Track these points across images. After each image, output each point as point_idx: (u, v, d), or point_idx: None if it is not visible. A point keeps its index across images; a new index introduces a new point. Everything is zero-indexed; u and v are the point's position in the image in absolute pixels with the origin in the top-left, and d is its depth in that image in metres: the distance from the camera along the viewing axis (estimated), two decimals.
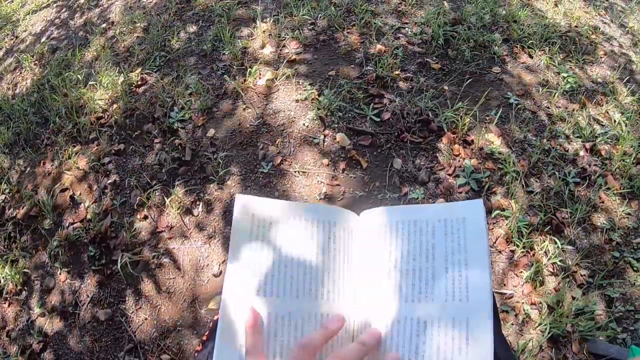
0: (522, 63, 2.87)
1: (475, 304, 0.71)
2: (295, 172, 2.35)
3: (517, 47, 2.97)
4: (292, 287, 0.78)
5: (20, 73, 3.54)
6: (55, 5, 4.27)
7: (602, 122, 2.58)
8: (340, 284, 0.80)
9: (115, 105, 2.83)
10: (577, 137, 2.48)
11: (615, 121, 2.56)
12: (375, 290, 0.78)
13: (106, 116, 2.81)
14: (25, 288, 2.29)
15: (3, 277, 2.31)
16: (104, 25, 3.60)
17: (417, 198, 2.20)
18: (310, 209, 0.85)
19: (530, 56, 2.92)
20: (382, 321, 0.75)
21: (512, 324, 1.87)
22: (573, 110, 2.62)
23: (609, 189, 2.27)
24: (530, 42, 2.96)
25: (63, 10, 4.12)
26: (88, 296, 2.16)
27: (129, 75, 2.98)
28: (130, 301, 2.11)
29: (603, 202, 2.24)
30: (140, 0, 3.76)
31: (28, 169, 2.75)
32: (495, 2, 3.26)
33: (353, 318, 0.79)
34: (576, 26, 3.19)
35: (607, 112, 2.63)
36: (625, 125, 2.51)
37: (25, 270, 2.32)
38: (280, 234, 0.82)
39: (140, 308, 2.08)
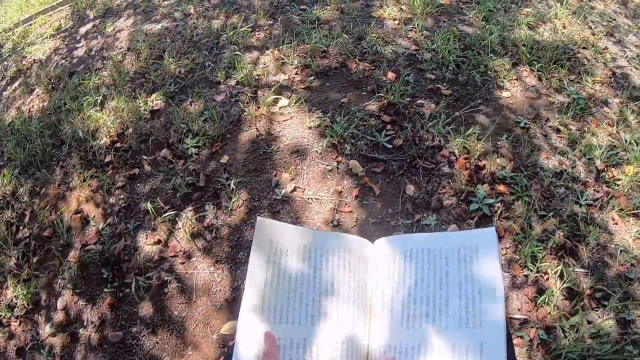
0: (532, 86, 2.89)
1: (489, 331, 0.72)
2: (308, 199, 2.37)
3: (526, 70, 2.99)
4: (308, 314, 0.79)
5: (38, 95, 3.61)
6: (72, 30, 4.37)
7: (613, 142, 2.57)
8: (354, 311, 0.81)
9: (130, 130, 2.87)
10: (589, 158, 2.48)
11: (626, 141, 2.55)
12: (389, 317, 0.79)
13: (121, 140, 2.85)
14: (37, 307, 2.31)
15: (15, 296, 2.33)
16: (120, 51, 3.67)
17: (430, 224, 2.20)
18: (326, 236, 0.86)
19: (540, 79, 2.94)
20: (397, 348, 0.75)
21: (527, 350, 1.85)
22: (584, 131, 2.62)
23: (622, 210, 2.26)
24: (539, 65, 2.98)
25: (80, 35, 4.21)
26: (99, 318, 2.17)
27: (145, 101, 3.03)
28: (142, 324, 2.11)
29: (616, 224, 2.23)
30: (155, 27, 3.84)
31: (43, 190, 2.78)
32: (504, 27, 3.30)
33: (367, 345, 0.79)
34: (584, 47, 3.21)
35: (618, 133, 2.63)
36: (637, 145, 2.50)
37: (37, 289, 2.34)
38: (296, 261, 0.83)
39: (151, 332, 2.08)
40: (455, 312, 0.75)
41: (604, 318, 1.91)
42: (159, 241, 2.33)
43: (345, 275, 0.83)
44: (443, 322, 0.75)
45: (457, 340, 0.72)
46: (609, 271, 2.06)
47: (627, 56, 3.24)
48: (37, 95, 3.61)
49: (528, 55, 3.04)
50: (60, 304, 2.26)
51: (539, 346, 1.85)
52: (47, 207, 2.66)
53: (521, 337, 1.88)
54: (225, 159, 2.59)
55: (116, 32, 4.01)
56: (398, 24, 3.35)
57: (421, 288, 0.79)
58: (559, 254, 2.10)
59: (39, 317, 2.27)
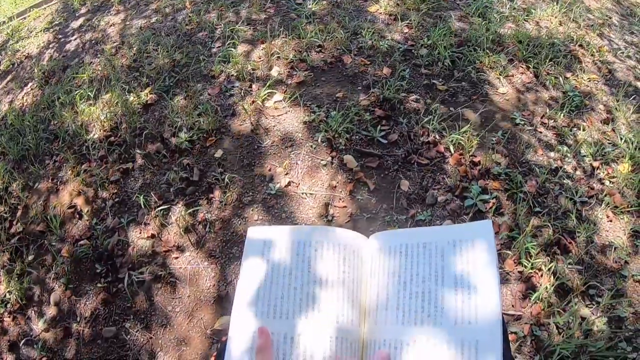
0: (528, 83, 2.89)
1: (485, 327, 0.71)
2: (302, 193, 2.36)
3: (522, 66, 2.99)
4: (302, 309, 0.78)
5: (31, 89, 3.58)
6: (65, 23, 4.34)
7: (608, 139, 2.58)
8: (349, 306, 0.80)
9: (124, 124, 2.85)
10: (584, 156, 2.49)
11: (621, 138, 2.56)
12: (384, 312, 0.78)
13: (115, 134, 2.83)
14: (30, 303, 2.30)
15: (8, 292, 2.32)
16: (113, 45, 3.65)
17: (425, 220, 2.20)
18: (319, 232, 0.85)
19: (536, 76, 2.94)
20: (391, 343, 0.75)
21: (521, 346, 1.85)
22: (580, 128, 2.63)
23: (616, 207, 2.27)
24: (535, 61, 2.98)
25: (73, 29, 4.18)
26: (93, 313, 2.16)
27: (139, 95, 3.01)
28: (135, 319, 2.10)
29: (611, 221, 2.24)
30: (150, 21, 3.82)
31: (36, 184, 2.76)
32: (500, 24, 3.29)
33: (362, 340, 0.79)
34: (580, 44, 3.22)
35: (614, 130, 2.64)
36: (631, 143, 2.51)
37: (31, 285, 2.33)
38: (290, 256, 0.83)
39: (145, 327, 2.08)
40: (451, 307, 0.74)
41: (598, 315, 1.91)
42: (153, 236, 2.32)
43: (340, 270, 0.82)
44: (438, 317, 0.74)
45: (452, 336, 0.72)
46: (603, 268, 2.07)
47: (622, 54, 3.25)
48: (31, 89, 3.59)
49: (524, 52, 3.04)
50: (53, 299, 2.25)
51: (532, 342, 1.86)
52: (40, 201, 2.65)
53: (515, 333, 1.88)
54: (219, 153, 2.58)
55: (110, 25, 3.99)
56: (394, 19, 3.34)
57: (416, 283, 0.79)
58: (553, 250, 2.10)
59: (32, 312, 2.26)
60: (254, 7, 3.60)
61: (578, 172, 2.42)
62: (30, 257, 2.43)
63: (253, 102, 2.79)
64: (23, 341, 2.18)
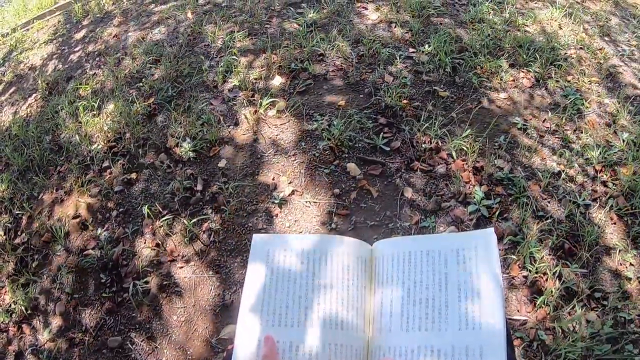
0: (529, 87, 2.90)
1: (489, 332, 0.72)
2: (306, 202, 2.36)
3: (523, 71, 3.00)
4: (307, 317, 0.79)
5: (35, 100, 3.60)
6: (68, 34, 4.37)
7: (610, 142, 2.58)
8: (353, 313, 0.81)
9: (127, 135, 2.87)
10: (586, 159, 2.49)
11: (623, 141, 2.56)
12: (389, 319, 0.79)
13: (119, 145, 2.84)
14: (35, 313, 2.30)
15: (13, 301, 2.32)
16: (116, 56, 3.67)
17: (428, 226, 2.20)
18: (324, 239, 0.86)
19: (537, 80, 2.94)
20: (396, 350, 0.75)
21: (527, 351, 1.85)
22: (582, 131, 2.63)
23: (620, 209, 2.26)
24: (536, 65, 2.99)
25: (76, 40, 4.21)
26: (98, 323, 2.16)
27: (142, 105, 3.03)
28: (141, 329, 2.11)
29: (615, 224, 2.23)
30: (152, 32, 3.84)
31: (41, 195, 2.78)
32: (500, 29, 3.30)
33: (366, 347, 0.79)
34: (580, 48, 3.23)
35: (615, 132, 2.64)
36: (634, 145, 2.51)
37: (36, 295, 2.33)
38: (294, 265, 0.83)
39: (150, 336, 2.08)
40: (454, 314, 0.75)
41: (604, 318, 1.91)
42: (157, 245, 2.33)
43: (344, 278, 0.83)
44: (442, 324, 0.75)
45: (456, 342, 0.72)
46: (608, 271, 2.06)
47: (622, 56, 3.25)
48: (35, 100, 3.61)
49: (524, 56, 3.05)
50: (58, 309, 2.25)
51: (538, 347, 1.86)
52: (45, 212, 2.66)
53: (521, 337, 1.88)
54: (222, 162, 2.59)
55: (112, 36, 4.01)
56: (395, 26, 3.35)
57: (420, 290, 0.79)
58: (558, 254, 2.10)
59: (38, 322, 2.27)
60: (255, 17, 3.62)
61: (581, 176, 2.42)
62: (35, 267, 2.44)
63: (255, 111, 2.80)
64: (28, 351, 2.18)
